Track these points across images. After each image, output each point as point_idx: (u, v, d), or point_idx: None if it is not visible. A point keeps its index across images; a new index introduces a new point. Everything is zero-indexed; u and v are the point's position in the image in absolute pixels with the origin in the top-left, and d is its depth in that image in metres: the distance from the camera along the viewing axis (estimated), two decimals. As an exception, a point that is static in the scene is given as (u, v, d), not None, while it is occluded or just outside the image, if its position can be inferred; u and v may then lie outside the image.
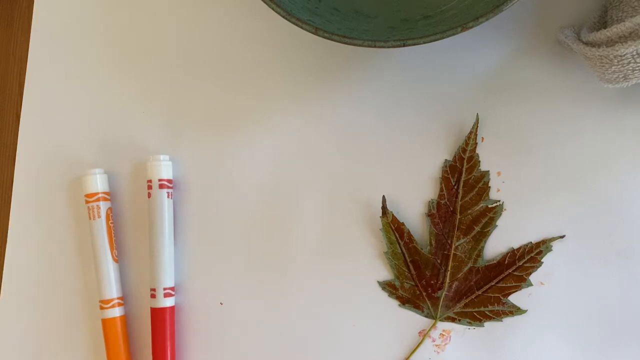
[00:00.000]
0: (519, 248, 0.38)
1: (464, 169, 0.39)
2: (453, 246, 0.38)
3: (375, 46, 0.33)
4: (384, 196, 0.39)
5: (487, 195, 0.39)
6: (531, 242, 0.38)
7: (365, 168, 0.40)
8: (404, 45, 0.33)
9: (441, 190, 0.39)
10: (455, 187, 0.39)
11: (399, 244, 0.39)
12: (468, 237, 0.38)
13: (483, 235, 0.38)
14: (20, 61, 0.43)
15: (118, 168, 0.41)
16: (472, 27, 0.32)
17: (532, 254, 0.38)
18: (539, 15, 0.40)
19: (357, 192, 0.40)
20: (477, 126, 0.39)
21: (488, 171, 0.39)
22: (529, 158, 0.39)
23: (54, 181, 0.42)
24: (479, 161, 0.39)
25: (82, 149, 0.42)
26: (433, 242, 0.39)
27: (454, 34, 0.32)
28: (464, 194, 0.39)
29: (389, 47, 0.33)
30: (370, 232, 0.39)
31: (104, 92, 0.42)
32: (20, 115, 0.43)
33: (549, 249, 0.38)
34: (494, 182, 0.39)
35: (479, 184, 0.39)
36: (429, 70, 0.40)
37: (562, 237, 0.38)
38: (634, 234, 0.38)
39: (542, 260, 0.38)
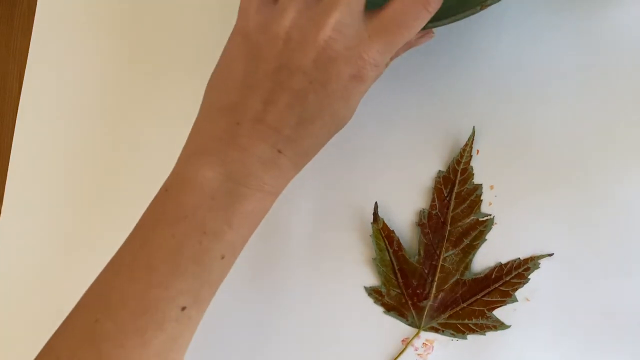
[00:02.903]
0: (507, 263, 0.38)
1: (457, 181, 0.39)
2: (441, 257, 0.38)
3: None
4: (376, 202, 0.39)
5: (479, 208, 0.39)
6: (519, 258, 0.38)
7: (358, 173, 0.40)
8: (424, 28, 0.32)
9: (433, 200, 0.39)
10: (448, 198, 0.39)
11: (388, 251, 0.39)
12: (457, 249, 0.39)
13: (472, 248, 0.38)
14: (20, 61, 0.43)
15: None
16: (490, 4, 0.32)
17: (520, 270, 0.38)
18: (535, 31, 0.40)
19: (349, 197, 0.40)
20: (473, 139, 0.39)
21: (481, 184, 0.39)
22: (522, 174, 0.39)
23: (50, 181, 0.41)
24: (473, 174, 0.39)
25: (80, 149, 0.42)
26: (422, 252, 0.39)
27: (473, 14, 0.32)
28: (455, 205, 0.39)
29: None
30: (360, 238, 0.39)
31: (104, 92, 0.42)
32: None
33: (536, 266, 0.38)
34: (486, 196, 0.39)
35: (471, 196, 0.39)
36: (427, 80, 0.40)
37: (551, 255, 0.38)
38: (622, 255, 0.38)
39: (529, 277, 0.38)
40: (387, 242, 0.39)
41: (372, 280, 0.39)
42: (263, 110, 0.30)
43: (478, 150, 0.39)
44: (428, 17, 0.30)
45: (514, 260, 0.38)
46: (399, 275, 0.39)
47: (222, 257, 0.30)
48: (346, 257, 0.39)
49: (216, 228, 0.30)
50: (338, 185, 0.40)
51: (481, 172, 0.39)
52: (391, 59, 0.33)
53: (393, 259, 0.39)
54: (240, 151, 0.30)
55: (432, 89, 0.40)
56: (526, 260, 0.38)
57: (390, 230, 0.39)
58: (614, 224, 0.38)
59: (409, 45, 0.35)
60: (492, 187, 0.39)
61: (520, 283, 0.38)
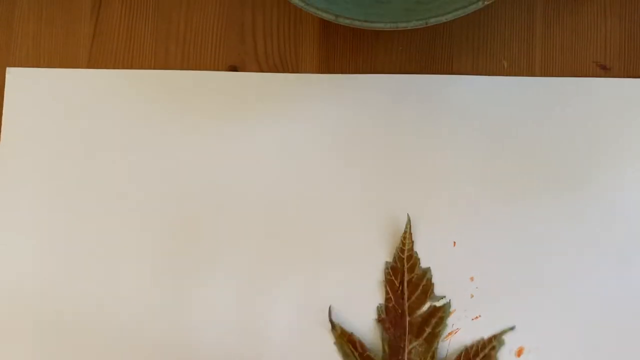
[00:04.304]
0: (472, 346, 0.37)
1: (405, 269, 0.38)
2: (407, 350, 0.37)
3: (397, 28, 0.33)
4: (329, 307, 0.37)
5: (432, 292, 0.38)
6: (483, 338, 0.37)
7: (310, 278, 0.38)
8: (426, 25, 0.33)
9: (387, 293, 0.38)
10: (400, 288, 0.38)
11: (354, 355, 0.36)
12: (420, 339, 0.37)
13: (435, 336, 0.37)
14: (20, 62, 0.41)
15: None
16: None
17: (486, 350, 0.37)
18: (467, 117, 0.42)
19: (308, 305, 0.38)
20: (410, 225, 0.39)
21: (429, 267, 0.38)
22: (463, 253, 0.39)
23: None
24: (419, 259, 0.39)
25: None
26: (386, 349, 0.37)
27: (475, 8, 0.33)
28: (409, 294, 0.38)
29: (411, 27, 0.33)
30: (323, 345, 0.37)
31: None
32: None
33: (501, 343, 0.37)
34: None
35: (422, 281, 0.38)
36: (361, 174, 0.40)
37: (512, 328, 0.38)
38: (584, 333, 0.38)
39: (497, 356, 0.37)
40: (350, 347, 0.36)
41: (341, 390, 0.36)
42: None
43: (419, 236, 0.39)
44: None
45: (478, 341, 0.37)
46: (368, 379, 0.36)
47: None
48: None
49: None
50: (294, 293, 0.38)
51: (426, 257, 0.39)
52: None
53: (359, 362, 0.36)
54: None
55: (367, 182, 0.40)
56: (490, 339, 0.37)
57: (349, 334, 0.37)
58: (571, 291, 0.39)
59: None
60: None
61: (489, 363, 0.37)
